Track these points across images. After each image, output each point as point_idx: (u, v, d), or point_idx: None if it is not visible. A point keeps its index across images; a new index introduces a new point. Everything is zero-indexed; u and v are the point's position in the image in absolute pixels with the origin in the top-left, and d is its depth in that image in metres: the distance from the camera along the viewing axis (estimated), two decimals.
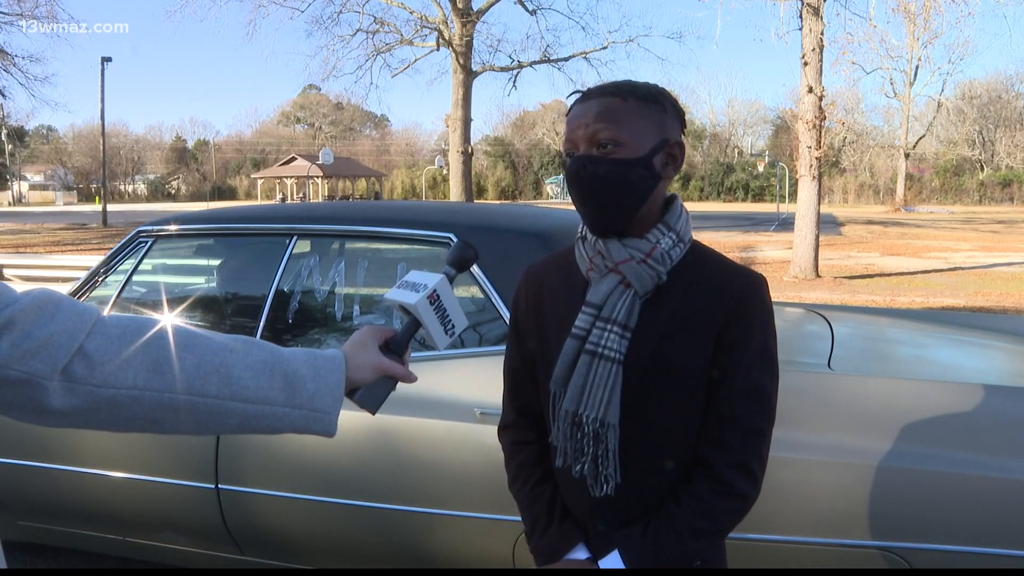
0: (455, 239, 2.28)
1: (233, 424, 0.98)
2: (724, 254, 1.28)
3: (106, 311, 2.56)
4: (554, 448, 1.26)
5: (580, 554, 1.26)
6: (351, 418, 2.01)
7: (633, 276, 1.18)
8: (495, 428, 1.46)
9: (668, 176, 1.20)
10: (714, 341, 1.19)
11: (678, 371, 1.20)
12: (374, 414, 1.08)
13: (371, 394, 1.07)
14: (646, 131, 1.17)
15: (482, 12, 19.64)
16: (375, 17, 20.28)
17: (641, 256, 1.18)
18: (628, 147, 1.15)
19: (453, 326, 1.12)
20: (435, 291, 1.10)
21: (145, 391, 0.92)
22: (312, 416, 1.00)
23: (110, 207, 34.30)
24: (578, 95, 1.22)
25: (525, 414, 1.37)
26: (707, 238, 17.04)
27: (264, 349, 1.00)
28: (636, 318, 1.18)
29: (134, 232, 2.75)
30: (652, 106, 1.18)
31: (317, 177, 50.38)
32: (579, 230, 1.27)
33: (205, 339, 0.97)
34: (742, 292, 1.20)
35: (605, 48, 21.10)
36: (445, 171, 44.26)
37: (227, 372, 0.96)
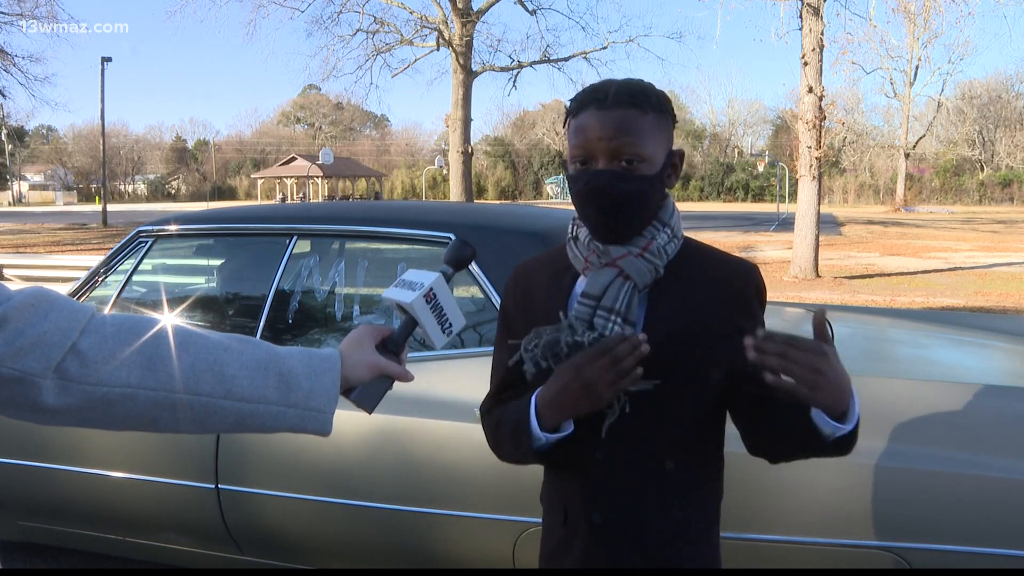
0: (455, 239, 2.27)
1: (229, 423, 0.97)
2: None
3: (106, 311, 2.55)
4: None
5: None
6: (351, 418, 2.01)
7: (632, 269, 1.18)
8: None
9: (671, 185, 1.23)
10: (715, 334, 1.19)
11: (678, 365, 1.19)
12: (371, 413, 1.08)
13: (367, 393, 1.07)
14: (662, 145, 1.18)
15: (482, 12, 19.66)
16: (375, 17, 20.32)
17: (638, 251, 1.18)
18: (649, 162, 1.16)
19: (451, 325, 1.12)
20: (431, 289, 1.10)
21: (139, 389, 0.91)
22: (307, 415, 1.00)
23: (110, 207, 34.30)
24: (586, 98, 1.19)
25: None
26: (707, 238, 17.00)
27: (260, 348, 1.00)
28: (635, 311, 1.18)
29: (134, 232, 2.75)
30: (664, 117, 1.19)
31: (317, 177, 50.38)
32: (570, 230, 1.27)
33: (200, 337, 0.97)
34: (741, 283, 1.22)
35: (605, 48, 21.14)
36: (445, 171, 44.25)
37: (221, 371, 0.95)
